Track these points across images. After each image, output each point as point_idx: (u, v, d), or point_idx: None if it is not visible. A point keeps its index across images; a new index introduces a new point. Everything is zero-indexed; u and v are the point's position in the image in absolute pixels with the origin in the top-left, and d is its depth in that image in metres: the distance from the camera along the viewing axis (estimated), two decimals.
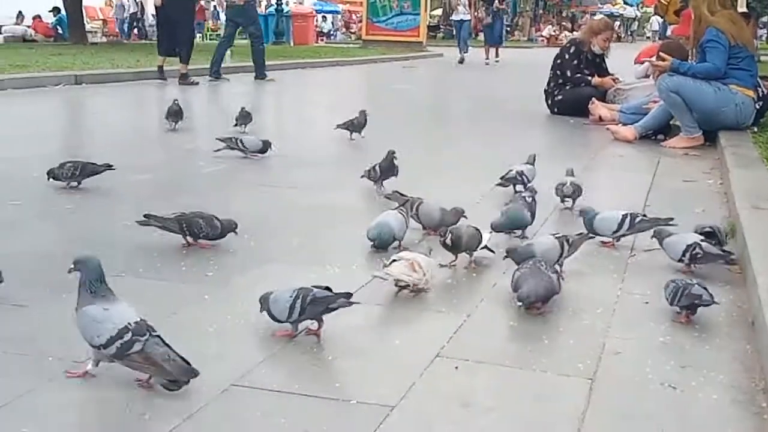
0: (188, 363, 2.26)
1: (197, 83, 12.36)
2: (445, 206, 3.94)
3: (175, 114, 7.33)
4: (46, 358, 2.46)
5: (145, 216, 3.73)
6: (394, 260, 3.12)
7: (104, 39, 27.11)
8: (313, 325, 2.71)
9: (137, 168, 5.62)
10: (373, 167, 4.89)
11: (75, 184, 4.75)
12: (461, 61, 21.03)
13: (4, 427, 2.05)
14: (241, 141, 6.06)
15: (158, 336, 2.29)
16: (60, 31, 24.45)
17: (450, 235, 3.45)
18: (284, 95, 12.83)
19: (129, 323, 2.28)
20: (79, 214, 4.31)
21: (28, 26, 25.30)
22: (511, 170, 4.85)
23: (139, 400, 2.22)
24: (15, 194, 4.35)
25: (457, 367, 2.51)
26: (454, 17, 23.25)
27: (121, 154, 6.59)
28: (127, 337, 2.25)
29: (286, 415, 2.17)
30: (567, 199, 4.58)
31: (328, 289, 2.69)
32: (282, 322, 2.67)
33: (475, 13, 25.21)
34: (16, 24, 25.66)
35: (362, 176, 4.91)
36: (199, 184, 5.36)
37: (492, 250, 3.58)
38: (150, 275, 3.32)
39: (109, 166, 4.83)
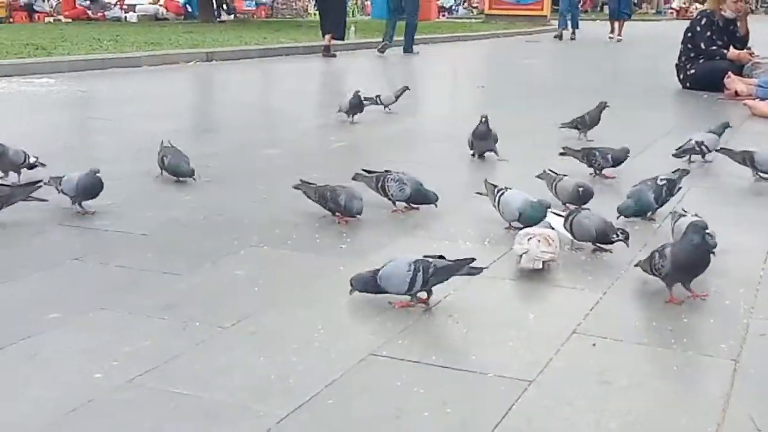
0: None
1: (335, 55, 13.52)
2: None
3: (354, 107, 6.61)
4: (194, 323, 2.56)
5: (301, 181, 3.89)
6: (528, 238, 3.09)
7: (231, 17, 27.69)
8: (422, 294, 2.74)
9: (270, 142, 5.76)
10: (582, 117, 5.64)
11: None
12: (558, 37, 19.32)
13: (158, 387, 2.15)
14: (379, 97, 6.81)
15: None
16: (189, 10, 25.13)
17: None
18: (425, 68, 12.97)
19: None
20: (216, 187, 4.44)
21: (160, 5, 26.11)
22: (690, 140, 4.72)
23: (281, 365, 2.29)
24: (156, 167, 4.52)
25: (594, 344, 2.48)
26: None
27: (255, 129, 6.79)
28: None
29: (424, 386, 2.20)
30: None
31: (441, 257, 2.72)
32: (400, 294, 2.72)
33: None
34: (150, 3, 26.55)
35: (562, 126, 5.73)
36: (330, 159, 5.44)
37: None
38: (286, 246, 3.40)
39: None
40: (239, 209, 3.97)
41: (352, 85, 8.68)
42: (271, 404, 2.08)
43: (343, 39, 14.01)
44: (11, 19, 22.15)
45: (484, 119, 4.93)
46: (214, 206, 4.04)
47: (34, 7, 23.73)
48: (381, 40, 14.48)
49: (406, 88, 7.33)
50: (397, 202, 3.91)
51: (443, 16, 32.56)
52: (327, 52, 13.61)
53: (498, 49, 17.92)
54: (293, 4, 34.33)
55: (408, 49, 14.43)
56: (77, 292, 2.86)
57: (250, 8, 31.01)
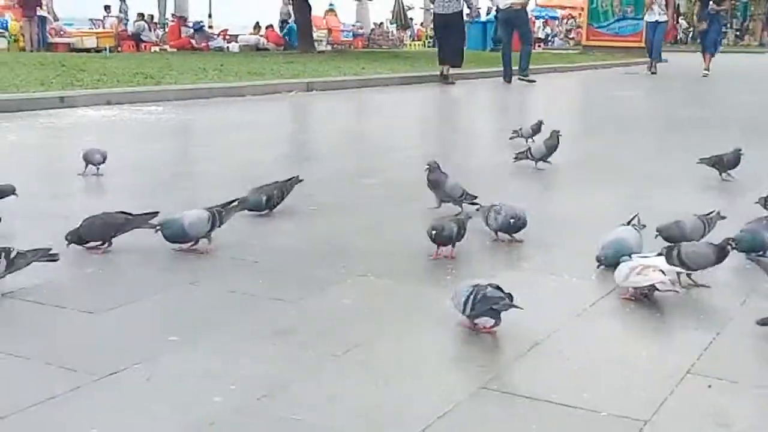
0: None
1: (454, 83, 14.19)
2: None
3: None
4: (307, 350, 2.61)
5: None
6: (642, 268, 3.06)
7: (329, 47, 28.21)
8: (488, 323, 2.75)
9: (369, 171, 5.83)
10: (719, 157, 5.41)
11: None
12: (652, 70, 18.57)
13: (275, 413, 2.20)
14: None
15: None
16: (288, 40, 25.72)
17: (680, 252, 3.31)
18: (538, 96, 13.07)
19: None
20: (320, 215, 4.52)
21: (261, 35, 26.80)
22: None
23: (393, 395, 2.32)
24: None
25: (710, 386, 2.43)
26: (647, 18, 18.77)
27: (354, 158, 6.88)
28: None
29: (537, 423, 2.19)
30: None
31: (499, 289, 2.74)
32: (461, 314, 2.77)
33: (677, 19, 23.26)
34: (251, 34, 27.29)
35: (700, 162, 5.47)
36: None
37: None
38: (392, 276, 3.44)
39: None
40: (345, 238, 4.04)
41: (452, 113, 8.72)
42: None
43: (460, 66, 14.55)
44: (119, 48, 23.06)
45: (427, 167, 4.49)
46: (319, 235, 4.12)
47: (141, 37, 24.69)
48: (502, 70, 14.92)
49: (541, 122, 6.94)
50: (498, 233, 3.91)
51: (539, 46, 32.47)
52: (445, 80, 14.08)
53: (596, 81, 17.76)
54: (389, 35, 34.82)
55: (524, 72, 14.85)
56: (193, 316, 2.94)
57: (347, 39, 31.53)
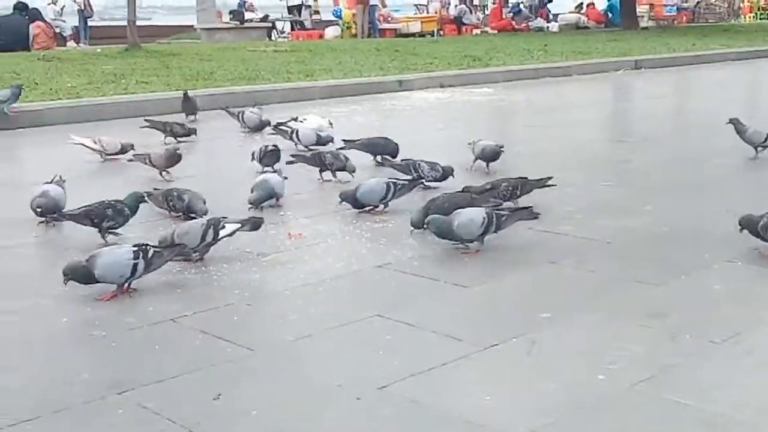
0: None
1: None
2: None
3: None
4: (683, 335, 2.57)
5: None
6: None
7: (651, 23, 27.15)
8: None
9: (712, 153, 5.57)
10: None
11: None
12: None
13: (658, 395, 2.19)
14: None
15: None
16: (610, 17, 25.09)
17: None
18: None
19: None
20: (669, 197, 4.40)
21: (582, 13, 26.38)
22: None
23: None
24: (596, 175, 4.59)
25: None
26: None
27: (692, 139, 6.60)
28: None
29: None
30: None
31: None
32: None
33: None
34: (571, 12, 26.97)
35: None
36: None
37: None
38: (763, 263, 3.27)
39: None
40: (702, 222, 3.90)
41: None
42: None
43: None
44: (441, 32, 23.79)
45: None
46: (671, 217, 4.01)
47: (463, 20, 25.25)
48: None
49: None
50: None
51: None
52: None
53: None
54: (716, 8, 32.73)
55: None
56: (559, 294, 3.00)
57: (670, 14, 30.17)
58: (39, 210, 3.87)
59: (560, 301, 2.92)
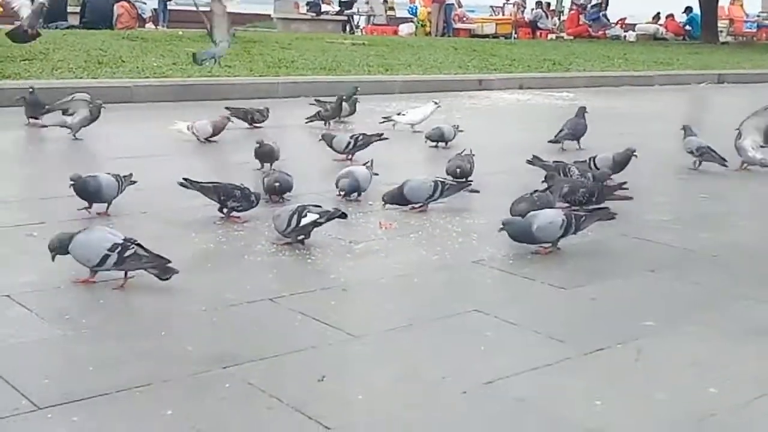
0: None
1: None
2: None
3: None
4: None
5: None
6: None
7: (731, 38, 26.60)
8: None
9: None
10: None
11: None
12: None
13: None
14: None
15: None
16: (689, 30, 24.65)
17: None
18: None
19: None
20: None
21: (660, 24, 25.95)
22: None
23: None
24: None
25: None
26: None
27: None
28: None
29: None
30: None
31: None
32: None
33: None
34: (648, 23, 26.55)
35: None
36: None
37: None
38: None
39: None
40: None
41: None
42: None
43: None
44: (516, 35, 23.62)
45: None
46: None
47: (538, 24, 25.05)
48: None
49: None
50: None
51: None
52: None
53: None
54: None
55: None
56: (661, 303, 2.93)
57: (750, 30, 29.55)
58: (277, 185, 3.95)
59: (663, 310, 2.84)
